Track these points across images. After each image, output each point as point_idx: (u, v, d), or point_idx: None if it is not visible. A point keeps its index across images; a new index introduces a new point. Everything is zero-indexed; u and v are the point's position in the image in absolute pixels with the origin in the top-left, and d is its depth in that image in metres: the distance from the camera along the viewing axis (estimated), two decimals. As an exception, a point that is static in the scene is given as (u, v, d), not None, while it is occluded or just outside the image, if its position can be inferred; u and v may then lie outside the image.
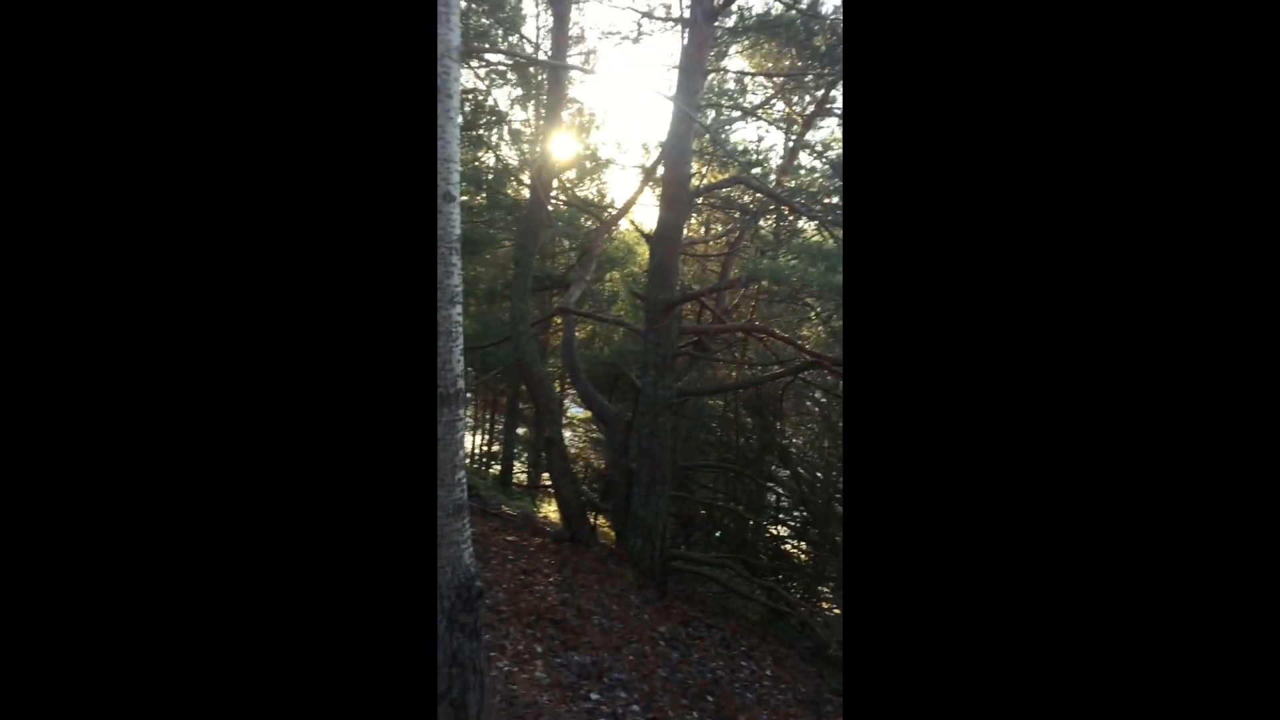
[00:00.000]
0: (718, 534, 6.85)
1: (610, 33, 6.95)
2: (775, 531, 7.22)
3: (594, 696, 3.54)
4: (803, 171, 7.48)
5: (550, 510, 8.55)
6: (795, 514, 7.23)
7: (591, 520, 6.66)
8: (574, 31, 7.54)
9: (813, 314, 6.71)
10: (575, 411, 10.79)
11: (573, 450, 9.75)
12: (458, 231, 1.76)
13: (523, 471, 11.35)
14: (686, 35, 5.51)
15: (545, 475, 8.85)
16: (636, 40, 6.63)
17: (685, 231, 7.07)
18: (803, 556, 6.98)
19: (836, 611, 6.50)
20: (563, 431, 7.02)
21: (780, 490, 7.25)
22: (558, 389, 9.46)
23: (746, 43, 6.87)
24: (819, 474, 6.91)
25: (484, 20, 7.06)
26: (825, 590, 6.78)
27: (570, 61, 6.93)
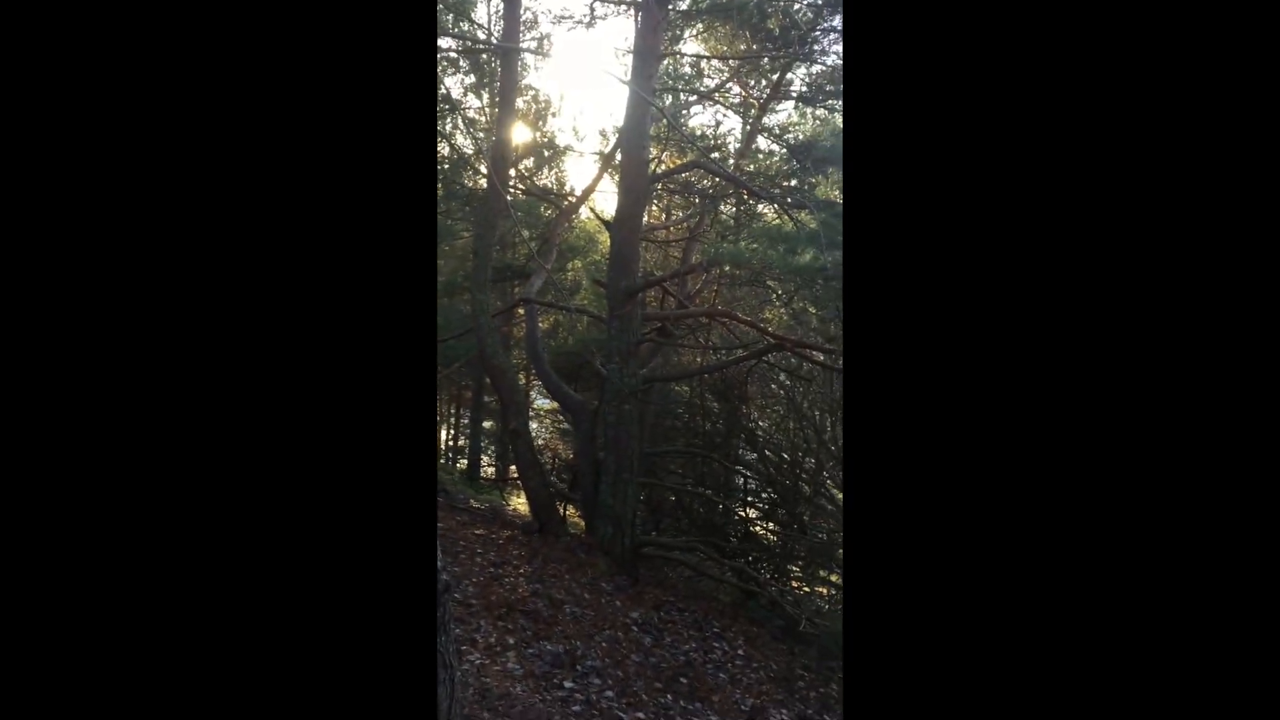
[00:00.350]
0: (686, 519, 6.89)
1: (563, 17, 6.85)
2: (744, 514, 7.29)
3: (568, 685, 3.54)
4: (761, 155, 7.51)
5: (519, 502, 8.50)
6: (763, 496, 7.31)
7: (561, 510, 6.63)
8: (526, 16, 7.41)
9: (774, 296, 6.76)
10: (542, 403, 10.72)
11: (540, 441, 9.69)
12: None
13: (490, 465, 11.25)
14: (640, 19, 5.46)
15: (513, 468, 8.79)
16: (590, 24, 6.55)
17: (646, 218, 7.04)
18: (771, 537, 7.06)
19: (806, 590, 6.61)
20: (529, 423, 6.96)
21: (748, 473, 7.32)
22: (522, 380, 9.38)
23: (701, 26, 6.84)
24: (785, 455, 6.99)
25: (433, 5, 6.87)
26: (794, 569, 6.88)
27: (523, 47, 6.81)
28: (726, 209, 7.88)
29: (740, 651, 4.60)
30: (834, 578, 6.60)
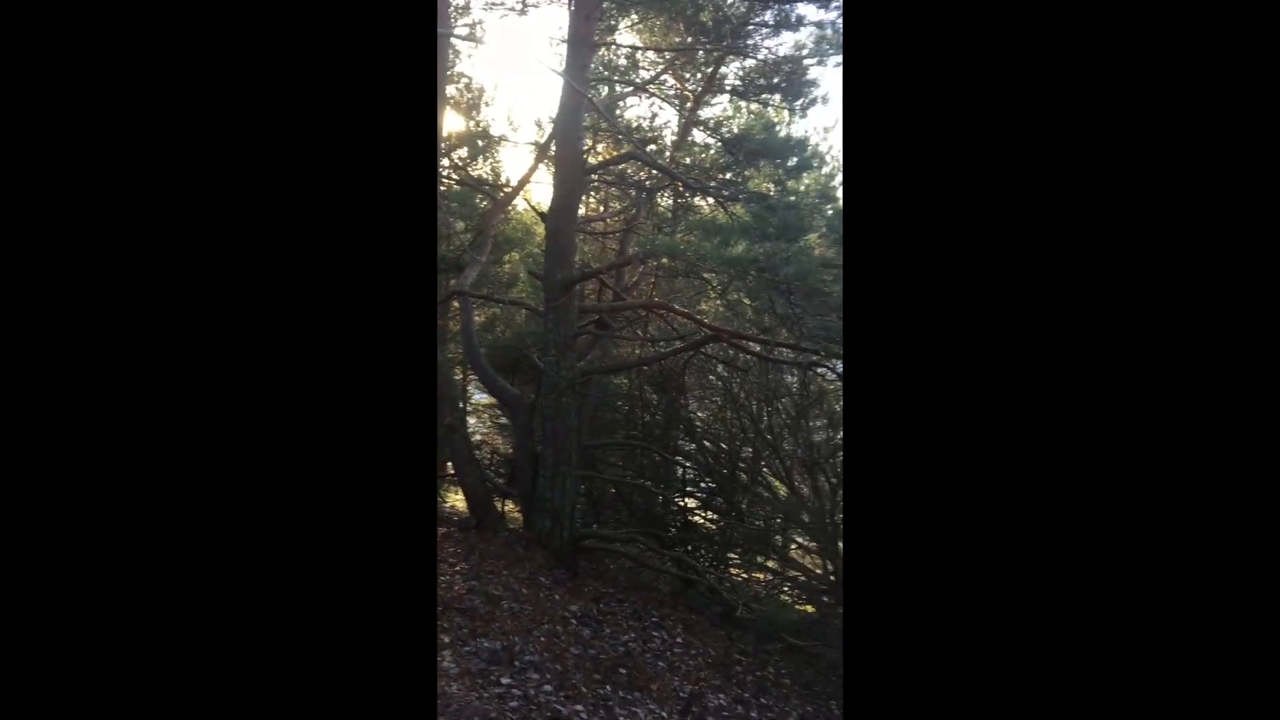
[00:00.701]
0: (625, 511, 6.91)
1: (495, 3, 6.70)
2: (683, 504, 7.37)
3: (505, 681, 3.50)
4: (697, 148, 7.55)
5: (456, 499, 8.34)
6: (701, 485, 7.40)
7: (499, 506, 6.55)
8: (458, 1, 7.22)
9: (710, 289, 6.83)
10: (479, 398, 10.53)
11: (478, 437, 9.52)
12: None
13: (427, 462, 10.99)
14: (573, 7, 5.40)
15: (449, 463, 8.61)
16: (522, 12, 6.44)
17: (583, 209, 6.98)
18: (710, 526, 7.16)
19: (744, 576, 6.73)
20: (466, 418, 6.83)
21: (686, 463, 7.39)
22: (458, 375, 9.19)
23: (635, 17, 6.82)
24: (723, 445, 7.09)
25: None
26: (733, 557, 7.01)
27: (454, 33, 6.64)
28: (664, 201, 7.90)
29: (679, 639, 4.65)
30: (770, 563, 6.75)
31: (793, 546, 6.94)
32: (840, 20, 5.78)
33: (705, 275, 6.22)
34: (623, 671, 3.99)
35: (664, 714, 3.77)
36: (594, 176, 6.92)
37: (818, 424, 6.86)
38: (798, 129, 6.49)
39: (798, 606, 6.14)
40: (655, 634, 4.64)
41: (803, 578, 6.37)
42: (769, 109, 6.70)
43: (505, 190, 7.25)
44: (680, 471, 7.51)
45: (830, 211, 4.81)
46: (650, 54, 7.15)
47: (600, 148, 7.55)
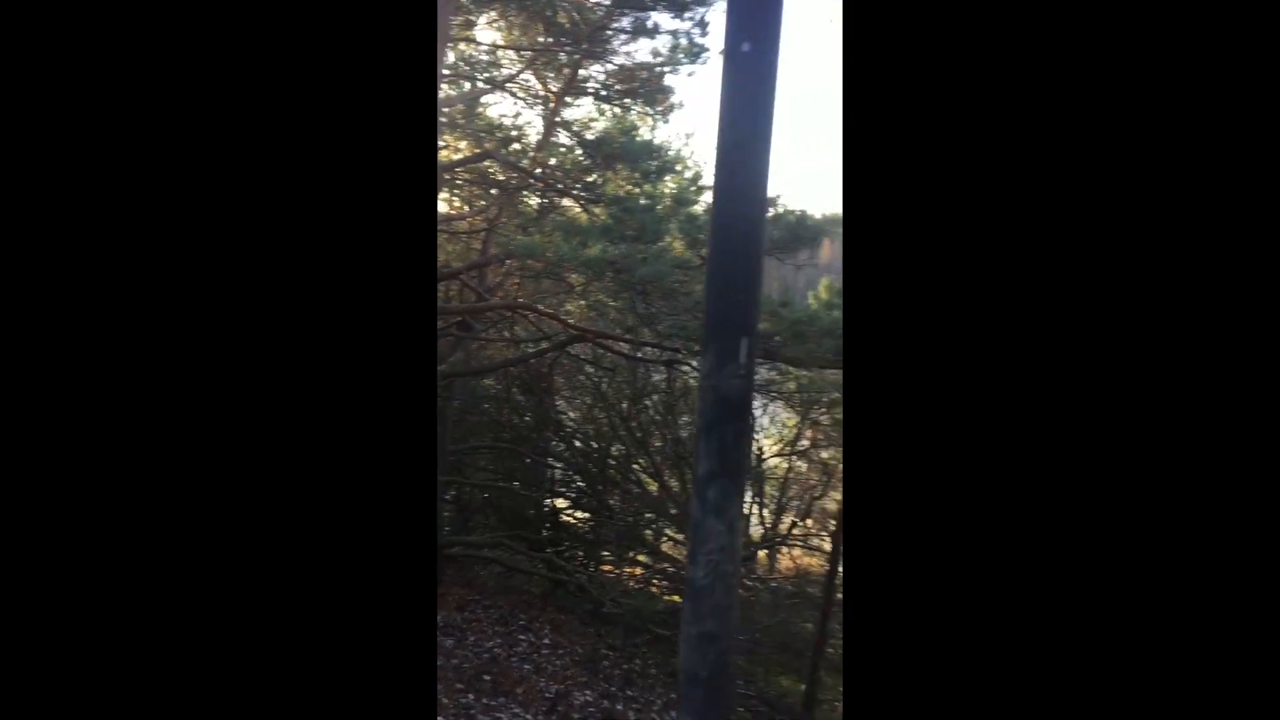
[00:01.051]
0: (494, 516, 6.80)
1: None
2: (554, 504, 7.36)
3: (357, 701, 3.35)
4: (562, 149, 7.55)
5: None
6: (572, 485, 7.43)
7: (359, 518, 6.22)
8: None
9: (576, 289, 6.85)
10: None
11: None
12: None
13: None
14: None
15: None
16: (373, 1, 6.14)
17: (446, 208, 6.77)
18: (581, 526, 7.20)
19: (616, 573, 6.84)
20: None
21: (557, 464, 7.39)
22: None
23: (494, 14, 6.71)
24: (594, 444, 7.15)
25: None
26: (606, 554, 7.09)
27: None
28: (531, 201, 7.83)
29: (546, 640, 4.66)
30: (642, 558, 6.90)
31: (663, 540, 7.13)
32: (695, 31, 6.00)
33: (572, 276, 6.25)
34: (487, 678, 3.94)
35: (529, 717, 3.76)
36: (453, 174, 6.75)
37: (684, 420, 7.09)
38: (660, 134, 6.66)
39: (665, 598, 6.32)
40: (522, 637, 4.61)
41: (671, 569, 6.56)
42: (631, 114, 6.82)
43: (360, 186, 6.91)
44: (550, 472, 7.49)
45: (683, 216, 4.98)
46: (513, 52, 7.06)
47: (463, 145, 7.37)
